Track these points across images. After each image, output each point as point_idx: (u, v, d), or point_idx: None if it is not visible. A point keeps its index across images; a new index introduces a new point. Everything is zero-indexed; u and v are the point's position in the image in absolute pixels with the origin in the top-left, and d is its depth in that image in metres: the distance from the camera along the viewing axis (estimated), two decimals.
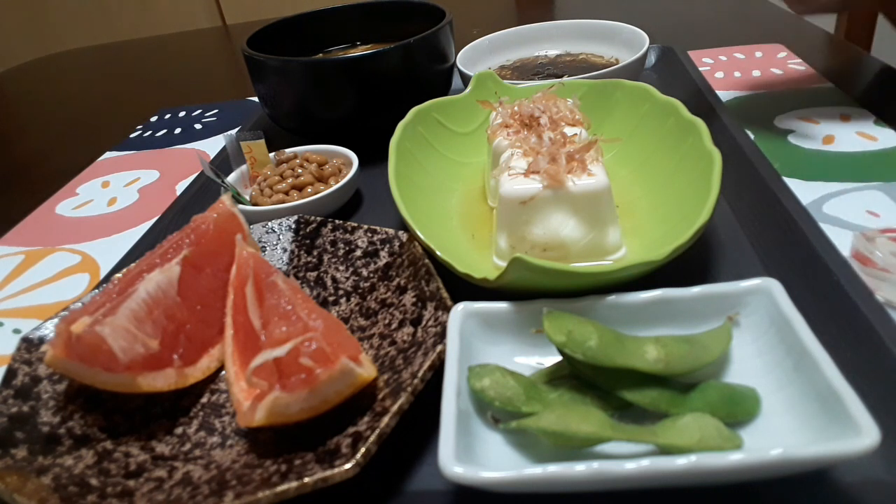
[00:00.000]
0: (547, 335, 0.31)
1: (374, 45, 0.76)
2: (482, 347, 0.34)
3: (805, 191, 0.49)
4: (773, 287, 0.33)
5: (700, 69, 0.70)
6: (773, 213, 0.42)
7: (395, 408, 0.30)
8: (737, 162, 0.48)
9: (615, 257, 0.41)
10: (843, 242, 0.41)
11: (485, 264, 0.43)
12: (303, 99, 0.62)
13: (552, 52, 0.76)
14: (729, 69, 0.74)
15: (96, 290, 0.41)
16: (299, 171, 0.55)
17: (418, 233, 0.39)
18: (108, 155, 0.78)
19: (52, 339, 0.35)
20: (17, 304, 0.52)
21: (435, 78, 0.65)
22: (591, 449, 0.29)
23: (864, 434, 0.24)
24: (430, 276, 0.38)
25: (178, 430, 0.35)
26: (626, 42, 0.70)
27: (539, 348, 0.34)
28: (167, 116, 0.88)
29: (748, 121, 0.59)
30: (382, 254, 0.42)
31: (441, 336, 0.33)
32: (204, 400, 0.37)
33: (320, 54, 0.76)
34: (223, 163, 0.63)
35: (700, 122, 0.44)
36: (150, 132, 0.84)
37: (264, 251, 0.46)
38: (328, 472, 0.27)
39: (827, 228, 0.41)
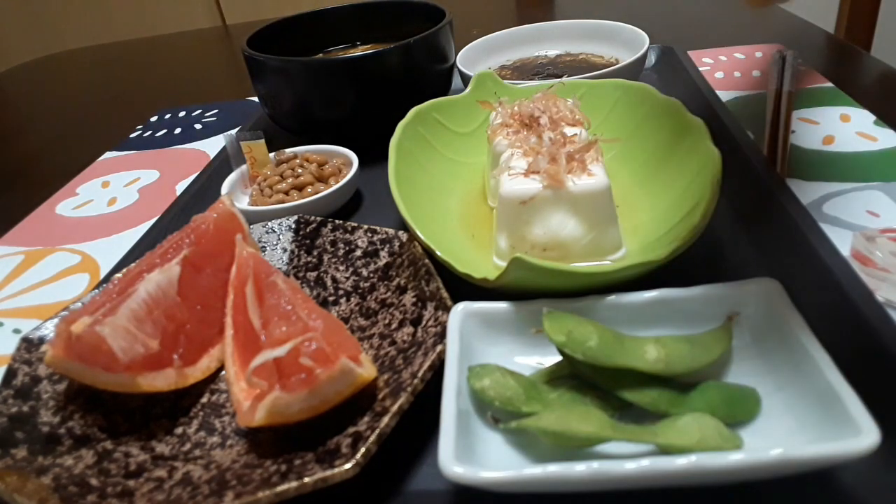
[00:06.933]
0: (547, 335, 0.31)
1: (374, 45, 0.76)
2: (482, 347, 0.34)
3: (805, 191, 0.48)
4: (773, 287, 0.33)
5: (700, 69, 0.70)
6: (773, 213, 0.42)
7: (395, 408, 0.30)
8: (737, 162, 0.48)
9: (615, 257, 0.41)
10: (843, 242, 0.41)
11: (485, 264, 0.43)
12: (303, 99, 0.62)
13: (552, 52, 0.76)
14: (729, 69, 0.74)
15: (96, 290, 0.41)
16: (299, 171, 0.55)
17: (418, 233, 0.39)
18: (108, 155, 0.78)
19: (52, 339, 0.35)
20: (17, 304, 0.52)
21: (435, 78, 0.65)
22: (591, 449, 0.29)
23: (864, 434, 0.24)
24: (430, 276, 0.38)
25: (178, 430, 0.35)
26: (626, 42, 0.70)
27: (539, 348, 0.34)
28: (167, 116, 0.88)
29: (748, 121, 0.59)
30: (382, 254, 0.42)
31: (441, 336, 0.33)
32: (204, 400, 0.37)
33: (320, 54, 0.76)
34: (223, 163, 0.63)
35: (700, 122, 0.44)
36: (150, 132, 0.84)
37: (264, 251, 0.46)
38: (328, 472, 0.27)
39: (827, 228, 0.41)
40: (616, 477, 0.24)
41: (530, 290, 0.35)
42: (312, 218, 0.46)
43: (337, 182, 0.54)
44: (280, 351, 0.30)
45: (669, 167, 0.45)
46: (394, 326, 0.38)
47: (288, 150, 0.59)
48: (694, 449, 0.27)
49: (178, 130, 0.83)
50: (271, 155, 0.58)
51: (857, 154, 0.53)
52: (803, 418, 0.28)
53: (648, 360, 0.30)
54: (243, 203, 0.56)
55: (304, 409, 0.31)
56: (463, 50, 0.72)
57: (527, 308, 0.34)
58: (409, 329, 0.37)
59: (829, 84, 0.65)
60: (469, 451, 0.27)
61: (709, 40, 0.84)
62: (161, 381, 0.36)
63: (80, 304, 0.40)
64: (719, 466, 0.24)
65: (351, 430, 0.31)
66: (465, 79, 0.66)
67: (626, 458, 0.25)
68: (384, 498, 0.30)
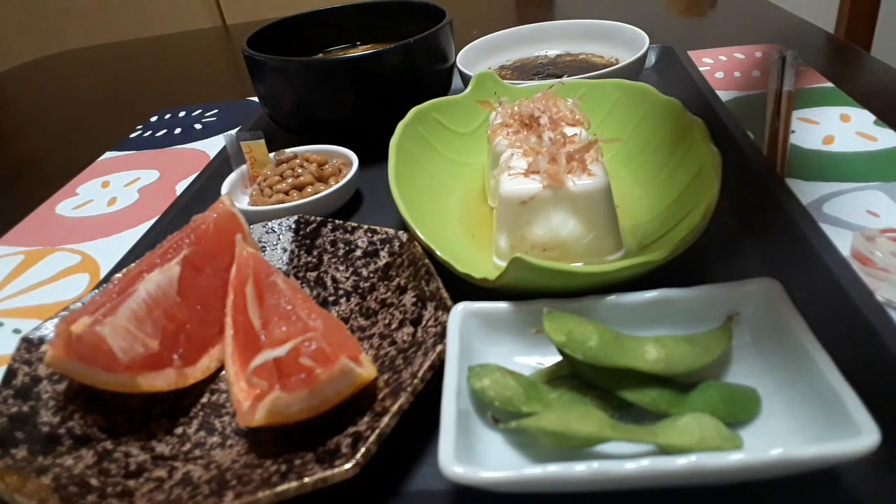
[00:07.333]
0: (547, 335, 0.31)
1: (374, 45, 0.76)
2: (482, 347, 0.34)
3: (805, 191, 0.48)
4: (773, 287, 0.33)
5: (700, 69, 0.70)
6: (773, 213, 0.42)
7: (395, 408, 0.30)
8: (737, 162, 0.48)
9: (615, 257, 0.41)
10: (843, 242, 0.41)
11: (485, 264, 0.43)
12: (303, 99, 0.62)
13: (552, 52, 0.76)
14: (729, 69, 0.74)
15: (96, 290, 0.41)
16: (299, 171, 0.55)
17: (418, 233, 0.39)
18: (108, 155, 0.78)
19: (52, 339, 0.35)
20: (17, 304, 0.52)
21: (435, 78, 0.65)
22: (591, 449, 0.29)
23: (863, 434, 0.24)
24: (430, 276, 0.38)
25: (178, 430, 0.35)
26: (626, 42, 0.70)
27: (539, 348, 0.34)
28: (167, 116, 0.88)
29: (748, 121, 0.59)
30: (382, 254, 0.42)
31: (441, 336, 0.33)
32: (204, 400, 0.37)
33: (320, 54, 0.76)
34: (223, 163, 0.63)
35: (700, 122, 0.44)
36: (150, 132, 0.84)
37: (264, 251, 0.46)
38: (328, 472, 0.27)
39: (827, 228, 0.41)
40: (616, 477, 0.24)
41: (530, 290, 0.35)
42: (312, 218, 0.46)
43: (337, 182, 0.54)
44: (280, 351, 0.30)
45: (669, 167, 0.45)
46: (394, 326, 0.38)
47: (288, 150, 0.59)
48: (694, 449, 0.27)
49: (178, 130, 0.83)
50: (271, 155, 0.58)
51: (857, 154, 0.53)
52: (803, 418, 0.28)
53: (648, 360, 0.30)
54: (243, 203, 0.56)
55: (304, 409, 0.31)
56: (463, 50, 0.72)
57: (527, 308, 0.34)
58: (409, 329, 0.37)
59: (829, 84, 0.65)
60: (469, 451, 0.27)
61: (709, 40, 0.84)
62: (161, 381, 0.36)
63: (80, 304, 0.40)
64: (719, 466, 0.24)
65: (351, 430, 0.31)
66: (465, 79, 0.66)
67: (626, 458, 0.25)
68: (384, 498, 0.31)
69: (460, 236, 0.46)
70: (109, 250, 0.57)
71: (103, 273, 0.54)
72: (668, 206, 0.43)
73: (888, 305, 0.36)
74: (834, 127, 0.57)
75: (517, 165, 0.42)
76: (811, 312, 0.31)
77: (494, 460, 0.29)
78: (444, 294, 0.36)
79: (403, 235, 0.42)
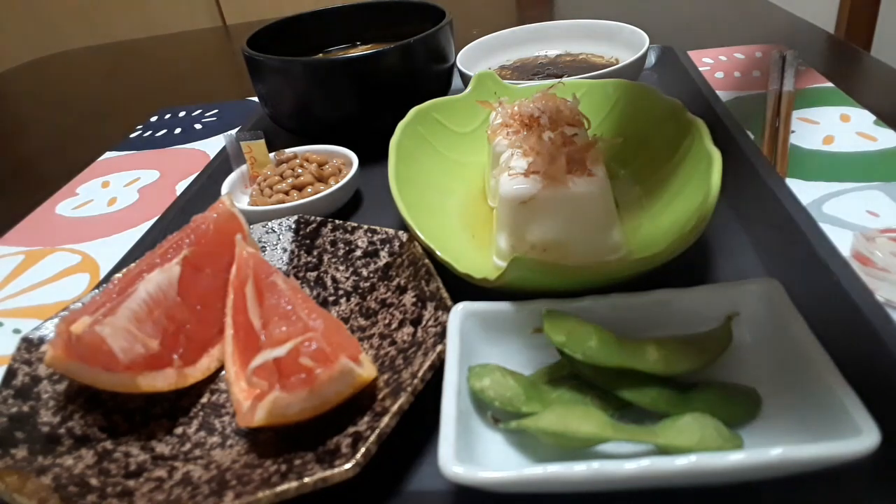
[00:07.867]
0: (547, 335, 0.31)
1: (374, 45, 0.76)
2: (482, 347, 0.34)
3: (805, 191, 0.49)
4: (773, 287, 0.33)
5: (700, 69, 0.70)
6: (773, 213, 0.42)
7: (395, 408, 0.30)
8: (737, 162, 0.48)
9: (615, 257, 0.41)
10: (843, 242, 0.41)
11: (485, 264, 0.43)
12: (303, 99, 0.62)
13: (552, 52, 0.76)
14: (729, 69, 0.74)
15: (96, 290, 0.41)
16: (299, 171, 0.55)
17: (418, 233, 0.39)
18: (108, 155, 0.78)
19: (52, 339, 0.35)
20: (17, 304, 0.52)
21: (435, 78, 0.65)
22: (591, 449, 0.29)
23: (863, 435, 0.24)
24: (430, 276, 0.38)
25: (178, 430, 0.35)
26: (626, 42, 0.70)
27: (539, 348, 0.34)
28: (167, 116, 0.88)
29: (748, 121, 0.59)
30: (382, 254, 0.42)
31: (441, 336, 0.33)
32: (204, 400, 0.37)
33: (320, 54, 0.76)
34: (223, 163, 0.63)
35: (700, 122, 0.44)
36: (150, 132, 0.84)
37: (264, 251, 0.46)
38: (328, 472, 0.27)
39: (827, 228, 0.41)
40: (616, 477, 0.24)
41: (530, 290, 0.35)
42: (312, 218, 0.46)
43: (337, 182, 0.54)
44: (280, 351, 0.30)
45: (669, 167, 0.45)
46: (394, 326, 0.38)
47: (288, 150, 0.59)
48: (694, 449, 0.27)
49: (178, 130, 0.83)
50: (271, 155, 0.58)
51: (857, 154, 0.53)
52: (803, 418, 0.28)
53: (648, 361, 0.30)
54: (243, 203, 0.56)
55: (304, 409, 0.31)
56: (463, 50, 0.72)
57: (527, 308, 0.34)
58: (409, 329, 0.37)
59: (829, 84, 0.65)
60: (469, 451, 0.27)
61: (709, 40, 0.84)
62: (161, 381, 0.36)
63: (80, 304, 0.40)
64: (719, 466, 0.24)
65: (351, 430, 0.31)
66: (465, 79, 0.66)
67: (626, 458, 0.25)
68: (384, 498, 0.30)
69: (460, 236, 0.46)
70: (109, 250, 0.57)
71: (103, 273, 0.54)
72: (668, 206, 0.43)
73: (888, 305, 0.36)
74: (834, 127, 0.57)
75: (517, 165, 0.42)
76: (811, 312, 0.31)
77: (494, 460, 0.29)
78: (444, 294, 0.36)
79: (403, 235, 0.42)
